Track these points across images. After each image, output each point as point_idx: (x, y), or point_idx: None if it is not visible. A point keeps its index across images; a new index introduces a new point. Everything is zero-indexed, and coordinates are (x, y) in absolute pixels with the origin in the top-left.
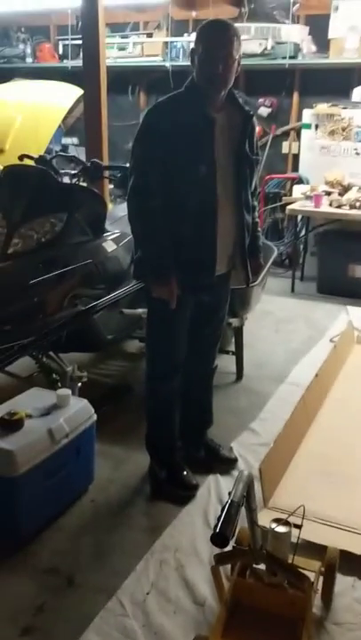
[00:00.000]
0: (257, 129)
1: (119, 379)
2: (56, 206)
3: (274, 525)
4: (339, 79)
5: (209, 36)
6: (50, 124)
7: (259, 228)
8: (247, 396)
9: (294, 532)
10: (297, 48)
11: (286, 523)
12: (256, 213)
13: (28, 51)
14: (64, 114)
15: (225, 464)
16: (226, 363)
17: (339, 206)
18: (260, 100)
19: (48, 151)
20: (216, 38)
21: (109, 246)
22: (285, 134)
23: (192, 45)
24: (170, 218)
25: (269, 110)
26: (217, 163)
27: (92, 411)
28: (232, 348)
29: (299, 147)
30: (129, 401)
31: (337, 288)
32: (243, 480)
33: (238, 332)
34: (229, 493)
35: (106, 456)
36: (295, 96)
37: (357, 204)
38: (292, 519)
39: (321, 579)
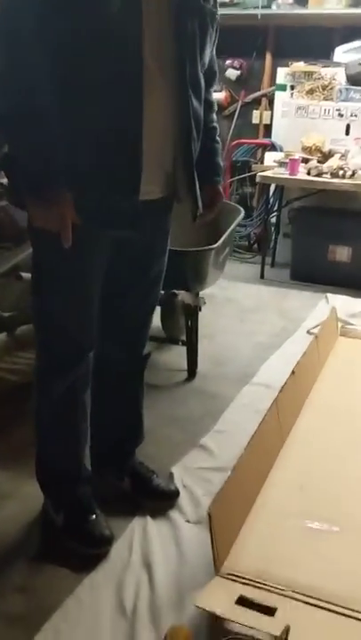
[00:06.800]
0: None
1: (28, 375)
2: None
3: None
4: (319, 37)
5: None
6: None
7: (218, 137)
8: (200, 401)
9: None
10: None
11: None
12: (214, 109)
13: None
14: None
15: (159, 499)
16: (174, 356)
17: (318, 175)
18: (228, 62)
19: None
20: None
21: None
22: (256, 102)
23: None
24: (62, 92)
25: (238, 73)
26: (143, 4)
27: None
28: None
29: (271, 116)
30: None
31: (314, 273)
32: None
33: (191, 315)
34: None
35: None
36: (268, 58)
37: (340, 172)
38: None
39: None
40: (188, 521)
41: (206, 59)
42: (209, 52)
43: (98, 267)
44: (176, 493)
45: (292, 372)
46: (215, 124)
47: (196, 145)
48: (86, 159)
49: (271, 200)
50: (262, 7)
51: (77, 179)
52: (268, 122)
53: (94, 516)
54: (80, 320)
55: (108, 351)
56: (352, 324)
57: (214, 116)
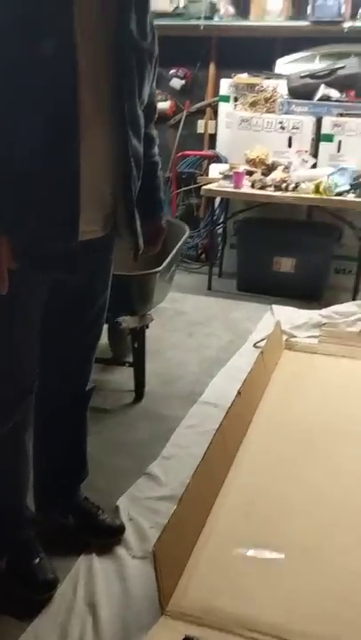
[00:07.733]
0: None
1: None
2: None
3: None
4: (260, 49)
5: None
6: None
7: (159, 172)
8: (148, 424)
9: None
10: (213, 8)
11: None
12: (155, 143)
13: None
14: None
15: (105, 536)
16: (122, 376)
17: (262, 187)
18: (173, 71)
19: None
20: None
21: None
22: (201, 112)
23: None
24: None
25: (183, 82)
26: (78, 40)
27: None
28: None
29: (216, 126)
30: None
31: (260, 284)
32: None
33: (138, 337)
34: None
35: None
36: (212, 67)
37: (283, 184)
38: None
39: None
40: (134, 557)
41: (145, 95)
42: (148, 88)
43: (36, 307)
44: (122, 529)
45: (238, 393)
46: (156, 159)
47: (136, 184)
48: (23, 202)
49: (217, 211)
50: (205, 18)
51: (13, 222)
52: (214, 131)
53: (38, 560)
54: (20, 362)
55: (50, 386)
56: (295, 337)
57: (156, 150)
